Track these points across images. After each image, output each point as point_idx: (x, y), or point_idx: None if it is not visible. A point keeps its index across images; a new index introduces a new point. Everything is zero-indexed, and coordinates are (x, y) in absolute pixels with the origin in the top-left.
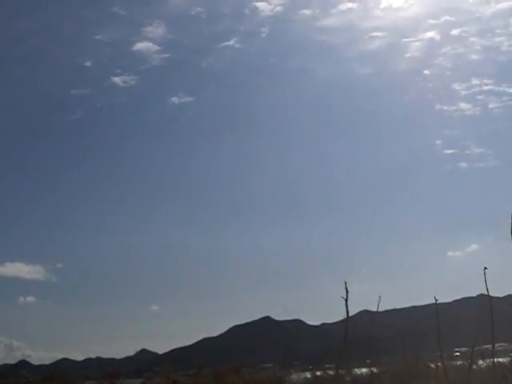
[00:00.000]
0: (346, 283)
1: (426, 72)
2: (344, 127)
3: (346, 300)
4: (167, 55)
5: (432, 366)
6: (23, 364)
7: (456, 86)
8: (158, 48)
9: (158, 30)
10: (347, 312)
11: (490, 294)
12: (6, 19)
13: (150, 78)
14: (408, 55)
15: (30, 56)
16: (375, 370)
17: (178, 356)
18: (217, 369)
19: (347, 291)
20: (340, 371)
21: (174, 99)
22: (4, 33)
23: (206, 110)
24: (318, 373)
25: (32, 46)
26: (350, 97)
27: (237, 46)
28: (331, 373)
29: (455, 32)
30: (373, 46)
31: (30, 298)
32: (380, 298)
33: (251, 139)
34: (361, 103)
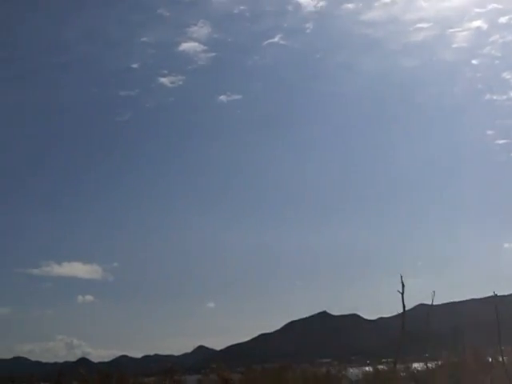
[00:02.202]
0: (401, 277)
1: (474, 62)
2: (393, 120)
3: (402, 294)
4: (213, 54)
5: (491, 360)
6: (83, 361)
7: (506, 75)
8: (204, 48)
9: (202, 29)
10: (403, 306)
11: None
12: (54, 27)
13: (197, 78)
14: (455, 46)
15: (78, 61)
16: (432, 365)
17: (235, 352)
18: (272, 365)
19: (403, 285)
20: (398, 365)
21: (222, 98)
22: (52, 40)
23: (255, 107)
24: (376, 367)
25: (80, 51)
26: (397, 90)
27: (281, 42)
28: (389, 367)
29: (503, 20)
30: (418, 38)
31: (89, 297)
32: (434, 292)
33: (298, 135)
34: (408, 96)
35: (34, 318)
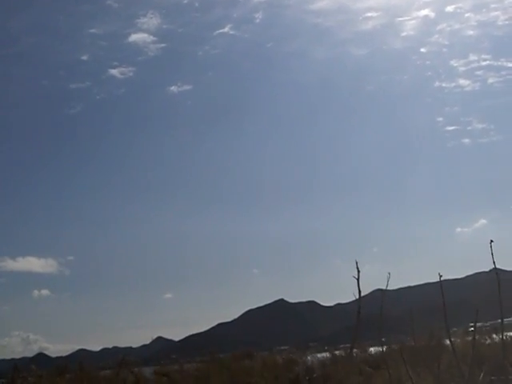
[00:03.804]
0: (357, 263)
1: (422, 50)
2: (344, 108)
3: (358, 279)
4: (163, 45)
5: (445, 341)
6: (40, 357)
7: (454, 63)
8: (154, 38)
9: (152, 20)
10: (359, 291)
11: (504, 267)
12: (1, 17)
13: (148, 69)
14: (404, 34)
15: (27, 53)
16: (386, 349)
17: (194, 342)
18: (231, 355)
19: (358, 271)
20: (354, 350)
21: (173, 88)
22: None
23: (205, 97)
24: (333, 353)
25: (28, 43)
26: (347, 78)
27: (231, 32)
28: (345, 352)
29: (450, 8)
30: (367, 27)
31: (45, 292)
32: (389, 274)
33: (252, 124)
34: (359, 83)
35: None
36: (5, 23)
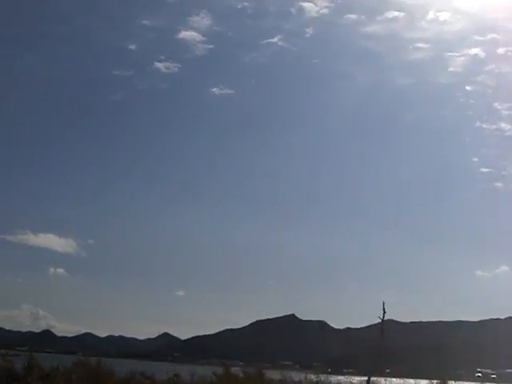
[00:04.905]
0: (383, 304)
1: (467, 88)
2: (381, 135)
3: (383, 320)
4: (211, 46)
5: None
6: (46, 334)
7: (497, 105)
8: (203, 38)
9: (204, 20)
10: (382, 329)
11: None
12: None
13: (193, 67)
14: (451, 69)
15: (76, 34)
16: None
17: (200, 344)
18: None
19: (384, 311)
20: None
21: (215, 90)
22: (51, 9)
23: (245, 103)
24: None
25: (79, 25)
26: (389, 106)
27: (280, 43)
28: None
29: (501, 51)
30: (416, 57)
31: (60, 270)
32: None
33: (285, 136)
34: (399, 113)
35: (1, 283)
36: (60, 1)
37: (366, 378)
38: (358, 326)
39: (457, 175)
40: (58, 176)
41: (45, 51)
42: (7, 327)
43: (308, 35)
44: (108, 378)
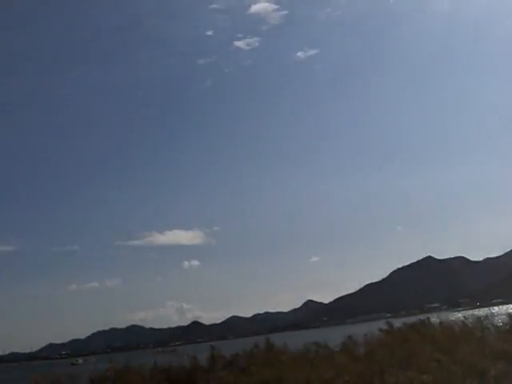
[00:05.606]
0: None
1: None
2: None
3: None
4: (285, 12)
5: None
6: (195, 325)
7: None
8: (275, 6)
9: None
10: None
11: None
12: (122, 2)
13: (273, 37)
14: None
15: (151, 35)
16: None
17: (344, 304)
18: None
19: None
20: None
21: (300, 54)
22: (121, 16)
23: (333, 60)
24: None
25: (150, 26)
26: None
27: None
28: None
29: None
30: None
31: (194, 262)
32: None
33: (381, 83)
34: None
35: (143, 286)
36: (124, 6)
37: None
38: (497, 255)
39: None
40: (169, 173)
41: (124, 58)
42: (156, 326)
43: None
44: (280, 354)
